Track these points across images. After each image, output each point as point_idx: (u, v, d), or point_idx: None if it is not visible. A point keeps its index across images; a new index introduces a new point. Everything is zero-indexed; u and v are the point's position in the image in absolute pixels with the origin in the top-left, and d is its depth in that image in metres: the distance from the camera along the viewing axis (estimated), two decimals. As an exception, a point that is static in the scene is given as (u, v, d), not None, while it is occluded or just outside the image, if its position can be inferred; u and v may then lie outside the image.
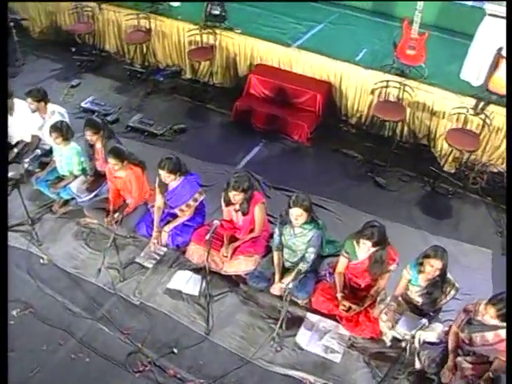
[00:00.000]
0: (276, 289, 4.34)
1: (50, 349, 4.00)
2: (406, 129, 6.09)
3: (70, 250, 4.81)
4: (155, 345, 4.04)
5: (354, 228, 4.20)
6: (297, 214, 4.07)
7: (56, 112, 5.58)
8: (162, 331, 4.15)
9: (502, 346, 3.54)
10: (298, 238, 4.26)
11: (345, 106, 6.43)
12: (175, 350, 3.99)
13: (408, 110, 5.86)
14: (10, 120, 5.58)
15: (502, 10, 5.27)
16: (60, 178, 5.30)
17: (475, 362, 3.71)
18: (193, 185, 4.65)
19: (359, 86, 6.17)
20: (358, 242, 4.02)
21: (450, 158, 5.76)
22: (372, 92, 6.10)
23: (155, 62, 7.55)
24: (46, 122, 5.52)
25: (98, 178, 5.29)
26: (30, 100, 5.38)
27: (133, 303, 4.35)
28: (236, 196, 4.34)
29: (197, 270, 4.60)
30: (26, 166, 5.13)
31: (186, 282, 4.49)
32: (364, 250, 3.98)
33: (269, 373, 3.88)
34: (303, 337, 4.10)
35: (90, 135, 5.00)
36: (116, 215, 4.32)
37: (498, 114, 5.38)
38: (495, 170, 5.79)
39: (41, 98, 5.44)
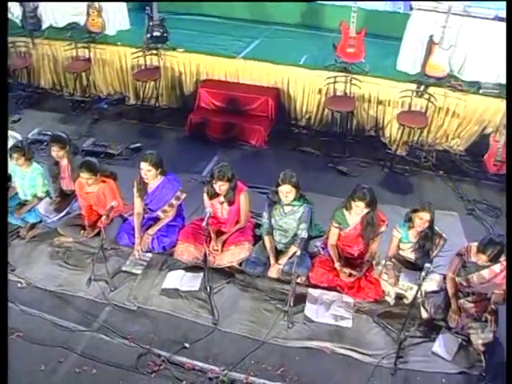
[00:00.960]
0: (274, 271, 4.35)
1: (49, 368, 3.68)
2: (354, 122, 6.48)
3: (48, 270, 4.52)
4: (164, 344, 3.86)
5: (329, 211, 4.39)
6: (286, 191, 4.18)
7: (10, 137, 5.33)
8: (168, 330, 3.99)
9: (498, 280, 3.81)
10: (290, 216, 4.35)
11: (294, 109, 6.75)
12: (187, 345, 3.84)
13: (356, 103, 6.25)
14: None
15: (426, 4, 5.91)
16: (22, 204, 5.02)
17: (476, 301, 3.94)
18: (173, 184, 4.63)
19: (306, 88, 6.52)
20: (349, 208, 4.19)
21: (400, 143, 6.19)
22: (319, 91, 6.47)
23: (96, 92, 7.49)
24: (1, 149, 5.26)
25: (64, 198, 5.09)
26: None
27: (130, 309, 4.16)
28: (222, 186, 4.36)
29: (188, 268, 4.52)
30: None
31: (181, 279, 4.38)
32: (356, 213, 4.13)
33: (287, 348, 3.84)
34: (311, 310, 4.13)
35: (56, 150, 4.83)
36: (103, 218, 4.18)
37: (438, 95, 5.91)
38: (441, 148, 6.30)
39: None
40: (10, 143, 5.16)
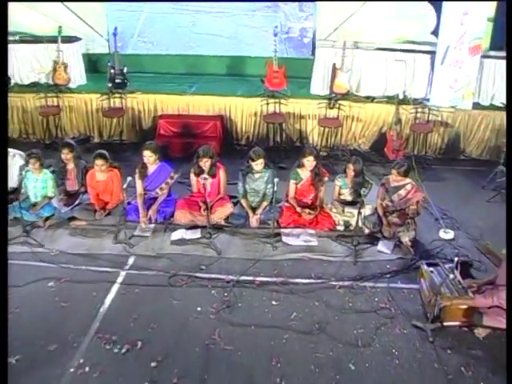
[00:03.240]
0: (253, 221, 5.78)
1: (100, 295, 4.71)
2: (284, 135, 8.28)
3: (72, 243, 5.55)
4: (185, 270, 5.07)
5: (279, 189, 5.98)
6: (259, 162, 5.75)
7: (17, 154, 6.41)
8: (184, 263, 5.21)
9: (410, 195, 5.58)
10: (259, 180, 5.90)
11: (235, 131, 8.42)
12: (203, 267, 5.10)
13: (285, 117, 8.09)
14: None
15: (327, 43, 8.11)
16: (34, 204, 6.01)
17: (399, 216, 5.65)
18: (167, 167, 6.02)
19: (244, 112, 8.28)
20: (301, 166, 5.84)
21: (321, 146, 8.08)
22: (255, 114, 8.26)
23: (62, 136, 8.63)
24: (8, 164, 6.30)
25: (70, 197, 6.18)
26: (-4, 143, 6.16)
27: (150, 255, 5.33)
28: (206, 162, 5.81)
29: (187, 228, 5.78)
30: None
31: (185, 233, 5.64)
32: (308, 166, 5.77)
33: (276, 261, 5.26)
34: (286, 239, 5.58)
35: (65, 153, 6.02)
36: (125, 185, 5.38)
37: (344, 106, 7.94)
38: (352, 148, 8.26)
39: (5, 140, 6.28)
40: (17, 160, 6.31)
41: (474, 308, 4.21)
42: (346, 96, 8.07)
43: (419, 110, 7.80)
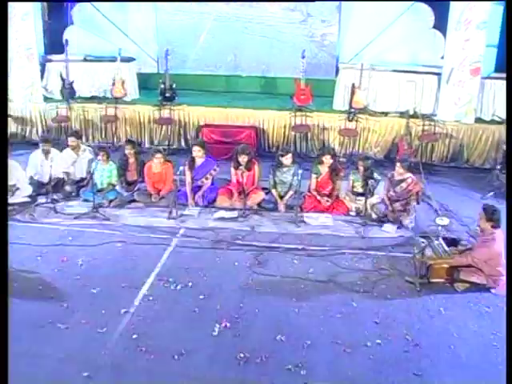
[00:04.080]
0: (281, 206, 7.02)
1: (158, 252, 5.96)
2: (310, 144, 9.53)
3: (133, 219, 6.84)
4: (225, 238, 6.29)
5: (304, 185, 7.19)
6: (288, 157, 7.01)
7: (87, 149, 7.84)
8: (225, 234, 6.43)
9: (410, 187, 6.70)
10: (287, 173, 7.14)
11: (267, 140, 9.71)
12: (239, 237, 6.33)
13: (310, 128, 9.35)
14: (46, 162, 7.56)
15: (347, 65, 9.43)
16: (100, 190, 7.36)
17: (402, 204, 6.77)
18: (212, 161, 7.35)
19: (276, 124, 9.57)
20: (320, 163, 7.06)
21: (341, 154, 9.28)
22: (284, 126, 9.54)
23: (117, 140, 10.06)
24: (79, 157, 7.71)
25: (129, 185, 7.52)
26: (73, 139, 7.60)
27: (199, 228, 6.57)
28: (244, 158, 7.08)
29: (226, 210, 7.02)
30: (68, 189, 7.33)
31: (225, 213, 6.89)
32: (326, 163, 7.00)
33: (300, 234, 6.45)
34: (307, 219, 6.77)
35: (129, 149, 7.41)
36: (179, 171, 6.68)
37: (362, 119, 9.17)
38: (368, 155, 9.40)
39: (79, 137, 7.74)
40: (87, 154, 7.73)
41: (454, 267, 5.29)
42: (364, 111, 9.28)
43: (427, 123, 8.94)
